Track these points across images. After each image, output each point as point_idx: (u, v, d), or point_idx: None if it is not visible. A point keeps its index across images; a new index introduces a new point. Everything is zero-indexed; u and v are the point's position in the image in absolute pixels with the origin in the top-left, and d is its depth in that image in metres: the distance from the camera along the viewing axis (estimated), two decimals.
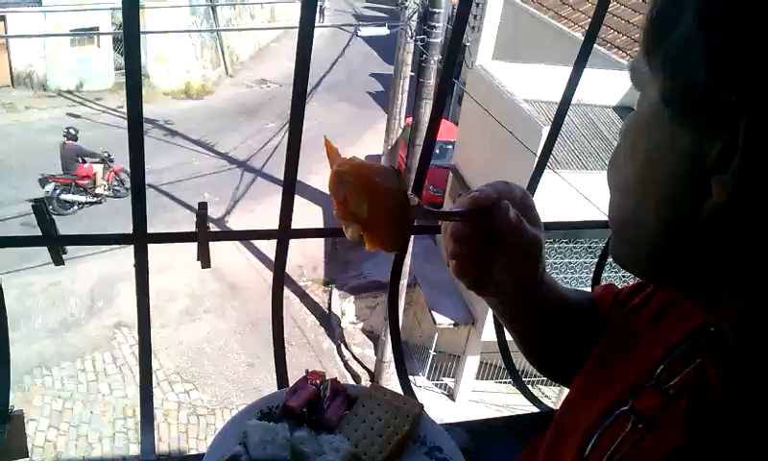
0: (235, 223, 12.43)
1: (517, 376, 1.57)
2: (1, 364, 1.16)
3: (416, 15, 10.79)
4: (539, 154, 1.38)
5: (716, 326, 0.56)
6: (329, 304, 12.23)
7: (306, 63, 1.04)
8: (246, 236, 1.38)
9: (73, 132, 12.58)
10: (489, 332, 9.51)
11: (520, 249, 0.75)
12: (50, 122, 15.47)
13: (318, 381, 1.05)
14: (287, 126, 1.15)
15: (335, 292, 12.39)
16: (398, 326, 1.47)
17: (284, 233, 1.17)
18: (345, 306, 12.15)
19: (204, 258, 1.12)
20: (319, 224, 13.32)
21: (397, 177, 0.69)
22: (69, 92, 17.25)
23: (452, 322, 10.45)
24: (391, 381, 9.78)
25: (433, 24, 9.62)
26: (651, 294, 0.77)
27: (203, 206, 1.10)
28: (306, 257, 12.83)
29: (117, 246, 10.08)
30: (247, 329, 10.70)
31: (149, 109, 16.39)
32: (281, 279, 1.27)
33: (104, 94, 17.29)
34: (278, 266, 1.24)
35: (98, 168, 12.73)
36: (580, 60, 1.22)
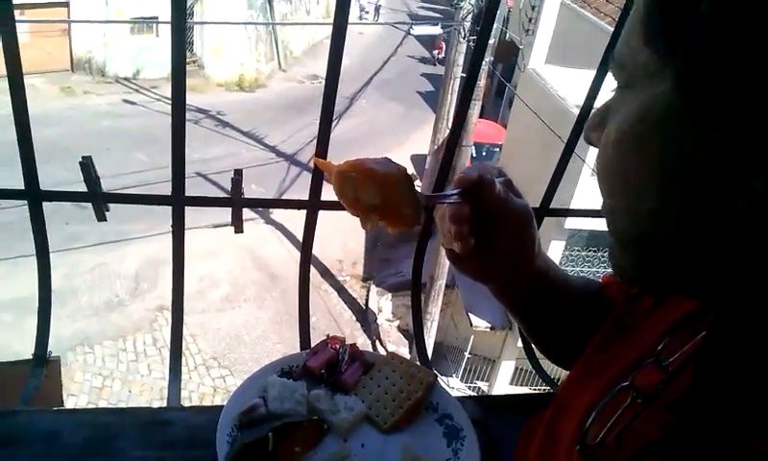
0: (279, 215, 12.57)
1: (550, 380, 1.51)
2: (43, 308, 1.20)
3: (470, 16, 10.69)
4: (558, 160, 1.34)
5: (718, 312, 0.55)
6: (367, 301, 12.29)
7: (340, 51, 1.07)
8: (276, 205, 1.44)
9: None
10: None
11: (513, 218, 0.78)
12: (107, 107, 15.96)
13: (338, 345, 1.09)
14: (335, 122, 1.17)
15: (373, 289, 12.44)
16: (420, 299, 1.49)
17: (313, 204, 1.23)
18: (382, 303, 12.17)
19: (238, 223, 1.20)
20: (356, 221, 13.35)
21: (392, 162, 0.73)
22: (126, 79, 17.74)
23: (489, 325, 10.33)
24: None
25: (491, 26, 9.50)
26: None
27: (238, 172, 1.17)
28: (347, 252, 12.91)
29: (168, 231, 10.35)
30: (285, 320, 10.80)
31: (202, 100, 16.75)
32: (310, 251, 1.33)
33: (159, 82, 17.68)
34: (307, 237, 1.30)
35: None
36: (602, 66, 1.19)
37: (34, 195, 1.05)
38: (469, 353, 10.87)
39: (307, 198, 1.21)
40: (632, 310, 0.77)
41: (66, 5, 15.87)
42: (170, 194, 1.12)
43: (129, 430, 0.98)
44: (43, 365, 1.15)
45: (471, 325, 10.35)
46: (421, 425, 1.02)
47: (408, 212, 0.73)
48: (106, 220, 1.07)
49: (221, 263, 11.15)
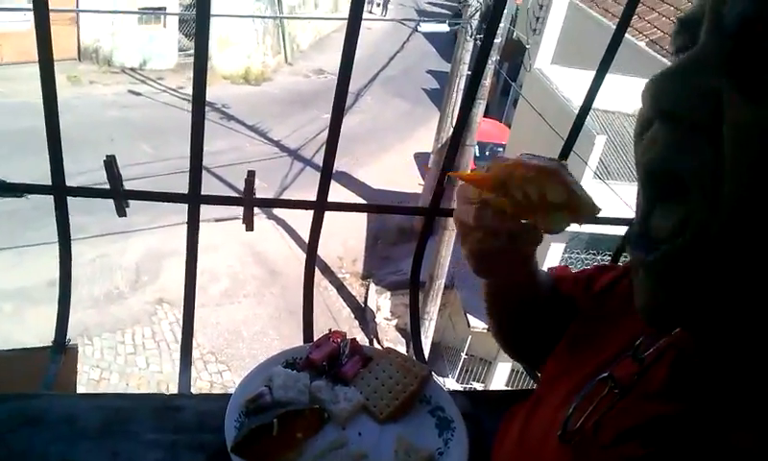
0: (281, 211, 12.54)
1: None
2: (63, 296, 1.27)
3: (477, 14, 10.70)
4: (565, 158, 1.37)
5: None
6: (366, 299, 12.31)
7: (353, 45, 1.09)
8: (286, 205, 1.53)
9: None
10: None
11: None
12: (112, 97, 15.95)
13: (339, 340, 1.16)
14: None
15: (372, 287, 12.46)
16: (417, 296, 1.55)
17: (321, 205, 1.28)
18: (381, 302, 12.20)
19: (249, 222, 1.26)
20: (362, 220, 13.39)
21: (543, 157, 0.73)
22: (133, 69, 17.72)
23: (486, 326, 10.25)
24: None
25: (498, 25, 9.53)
26: (621, 275, 0.83)
27: (251, 173, 1.23)
28: (347, 249, 12.92)
29: (169, 224, 10.36)
30: (284, 316, 10.83)
31: (208, 92, 16.61)
32: (315, 249, 1.39)
33: (166, 74, 17.70)
34: (313, 237, 1.36)
35: None
36: (602, 68, 1.24)
37: (60, 191, 1.12)
38: (466, 354, 10.88)
39: (314, 197, 1.27)
40: (604, 307, 0.81)
41: None
42: (186, 192, 1.18)
43: (142, 414, 1.05)
44: (62, 352, 1.22)
45: (469, 325, 10.37)
46: (415, 416, 1.08)
47: (585, 197, 0.71)
48: (125, 215, 1.14)
49: (221, 257, 11.16)
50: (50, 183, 1.11)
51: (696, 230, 0.48)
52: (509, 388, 10.39)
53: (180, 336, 1.36)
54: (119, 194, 1.11)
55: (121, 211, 1.13)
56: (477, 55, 1.29)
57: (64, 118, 1.07)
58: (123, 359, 9.53)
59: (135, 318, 10.19)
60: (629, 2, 1.17)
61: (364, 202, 13.31)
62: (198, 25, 1.02)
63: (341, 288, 12.34)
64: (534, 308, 0.93)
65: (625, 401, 0.63)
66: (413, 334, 1.49)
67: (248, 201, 1.20)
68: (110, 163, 1.08)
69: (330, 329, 1.18)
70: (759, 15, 0.44)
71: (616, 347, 0.72)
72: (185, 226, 1.25)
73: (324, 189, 1.25)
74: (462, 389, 11.00)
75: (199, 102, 1.10)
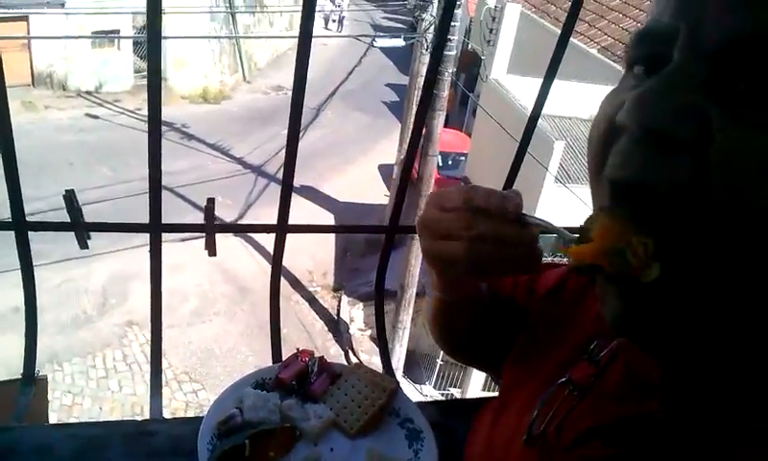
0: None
1: None
2: (30, 329, 1.27)
3: (432, 28, 10.85)
4: (508, 168, 1.42)
5: None
6: (338, 311, 12.27)
7: (306, 59, 1.11)
8: (247, 230, 1.53)
9: None
10: None
11: None
12: (68, 122, 15.70)
13: (307, 358, 1.17)
14: (301, 133, 1.22)
15: (344, 298, 12.43)
16: (383, 305, 1.63)
17: (282, 228, 1.30)
18: (353, 313, 12.18)
19: (211, 248, 1.27)
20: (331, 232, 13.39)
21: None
22: (88, 93, 17.47)
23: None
24: None
25: (448, 37, 9.69)
26: (566, 274, 0.83)
27: (210, 200, 1.24)
28: (316, 263, 12.90)
29: (133, 246, 10.24)
30: (255, 332, 10.74)
31: (166, 113, 16.55)
32: (278, 272, 1.40)
33: (122, 96, 17.49)
34: (276, 259, 1.37)
35: None
36: (549, 73, 1.27)
37: (20, 227, 1.12)
38: (441, 360, 10.94)
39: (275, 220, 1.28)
40: (553, 310, 0.82)
41: (26, 19, 15.62)
42: (147, 222, 1.18)
43: (115, 441, 1.05)
44: (32, 384, 1.22)
45: None
46: (385, 429, 1.10)
47: None
48: (88, 247, 1.14)
49: (189, 277, 11.05)
50: (8, 218, 1.11)
51: (674, 249, 0.48)
52: (482, 396, 10.45)
53: None
54: (80, 226, 1.12)
55: (83, 244, 1.14)
56: (428, 66, 1.31)
57: (20, 143, 1.05)
58: (95, 383, 9.39)
59: (105, 341, 10.04)
60: (570, 14, 1.21)
61: (328, 216, 13.33)
62: (150, 47, 1.03)
63: (312, 301, 12.29)
64: (477, 316, 0.91)
65: (584, 403, 0.65)
66: (381, 349, 1.51)
67: (209, 227, 1.21)
68: (70, 197, 1.08)
69: (298, 349, 1.20)
70: (744, 35, 0.44)
71: (572, 345, 0.73)
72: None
73: (284, 212, 1.27)
74: (439, 395, 11.05)
75: (155, 129, 1.10)
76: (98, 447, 1.04)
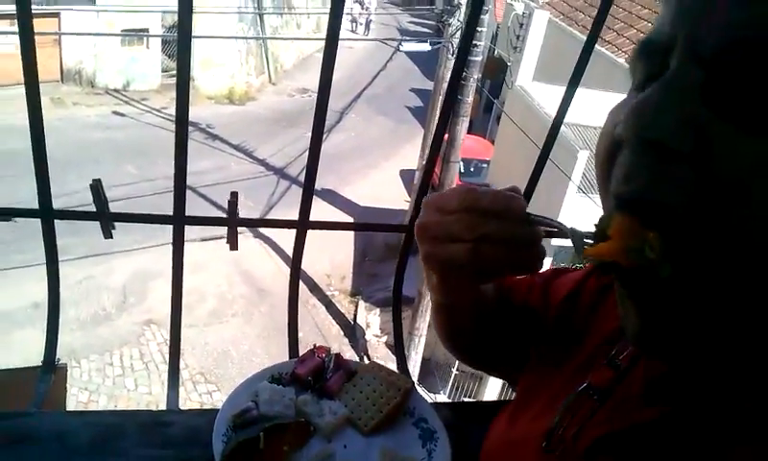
0: (268, 229, 12.50)
1: None
2: (53, 316, 1.28)
3: (458, 33, 10.86)
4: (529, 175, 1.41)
5: None
6: (355, 316, 12.28)
7: (332, 62, 1.11)
8: (269, 224, 1.54)
9: None
10: None
11: None
12: (96, 119, 15.93)
13: (324, 355, 1.18)
14: (325, 136, 1.24)
15: (361, 304, 12.45)
16: (400, 308, 1.64)
17: (303, 224, 1.30)
18: (370, 319, 12.19)
19: (233, 242, 1.28)
20: (350, 237, 13.41)
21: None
22: (116, 91, 17.74)
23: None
24: None
25: (475, 42, 9.68)
26: (583, 279, 0.84)
27: (234, 194, 1.25)
28: (335, 267, 12.92)
29: (153, 245, 10.34)
30: (272, 335, 10.77)
31: (192, 113, 16.40)
32: (298, 267, 1.41)
33: (149, 94, 17.74)
34: (296, 255, 1.38)
35: None
36: (573, 80, 1.25)
37: (47, 214, 1.14)
38: (457, 370, 10.87)
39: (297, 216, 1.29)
40: (569, 313, 0.82)
41: (57, 16, 15.91)
42: (171, 213, 1.20)
43: (131, 430, 1.07)
44: (52, 371, 1.23)
45: None
46: (399, 428, 1.10)
47: None
48: (112, 237, 1.16)
49: (208, 277, 11.13)
50: (36, 207, 1.13)
51: (683, 258, 0.48)
52: (497, 400, 10.35)
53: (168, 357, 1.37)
54: (105, 216, 1.13)
55: (107, 233, 1.15)
56: (452, 70, 1.31)
57: (49, 140, 1.06)
58: (111, 381, 9.44)
59: (123, 339, 10.10)
60: (595, 22, 1.20)
61: (348, 220, 13.35)
62: (180, 45, 1.04)
63: (330, 306, 12.31)
64: (482, 317, 0.89)
65: (605, 408, 0.64)
66: (396, 348, 1.51)
67: (232, 221, 1.22)
68: (96, 187, 1.10)
69: (315, 345, 1.20)
70: (741, 39, 0.44)
71: (590, 349, 0.73)
72: (171, 246, 1.27)
73: (305, 209, 1.27)
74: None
75: (182, 122, 1.11)
76: (114, 435, 1.05)
